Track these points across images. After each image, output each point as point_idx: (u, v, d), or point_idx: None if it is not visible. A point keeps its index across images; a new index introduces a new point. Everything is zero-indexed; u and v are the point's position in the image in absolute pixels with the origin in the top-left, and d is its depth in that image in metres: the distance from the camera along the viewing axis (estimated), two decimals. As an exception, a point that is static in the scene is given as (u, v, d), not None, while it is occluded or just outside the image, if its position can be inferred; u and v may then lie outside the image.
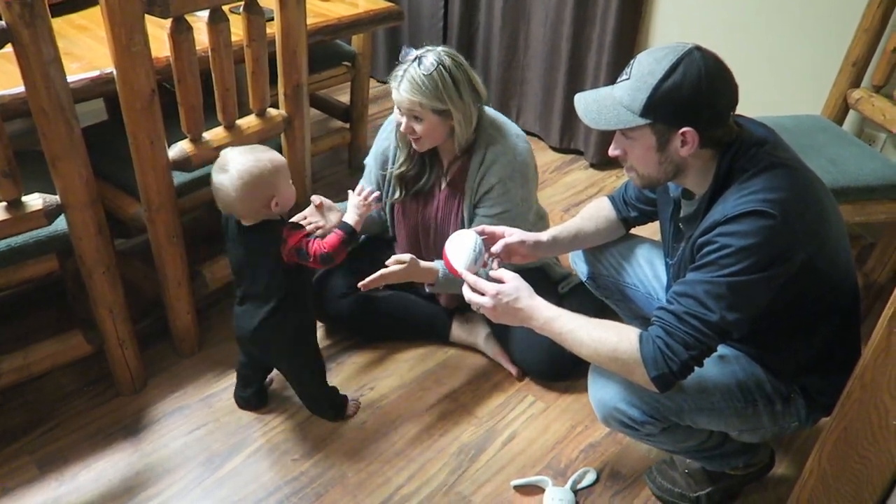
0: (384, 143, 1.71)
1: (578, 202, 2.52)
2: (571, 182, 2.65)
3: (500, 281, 1.25)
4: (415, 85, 1.46)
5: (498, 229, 1.41)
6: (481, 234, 1.37)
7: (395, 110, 1.56)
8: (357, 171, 2.60)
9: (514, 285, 1.23)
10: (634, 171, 1.20)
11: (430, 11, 2.97)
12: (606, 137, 2.65)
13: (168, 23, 1.35)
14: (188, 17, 1.38)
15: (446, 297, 1.81)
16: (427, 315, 1.83)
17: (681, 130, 1.09)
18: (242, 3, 1.47)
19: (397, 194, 1.71)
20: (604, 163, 2.72)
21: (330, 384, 1.62)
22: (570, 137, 2.79)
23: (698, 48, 1.09)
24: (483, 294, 1.24)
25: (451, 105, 1.49)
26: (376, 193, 1.50)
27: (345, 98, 2.59)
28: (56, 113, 1.22)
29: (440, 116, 1.51)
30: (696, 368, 1.12)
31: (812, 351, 1.22)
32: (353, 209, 1.45)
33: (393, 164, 1.69)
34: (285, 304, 1.42)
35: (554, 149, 2.82)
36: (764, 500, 1.48)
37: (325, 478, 1.49)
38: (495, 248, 1.37)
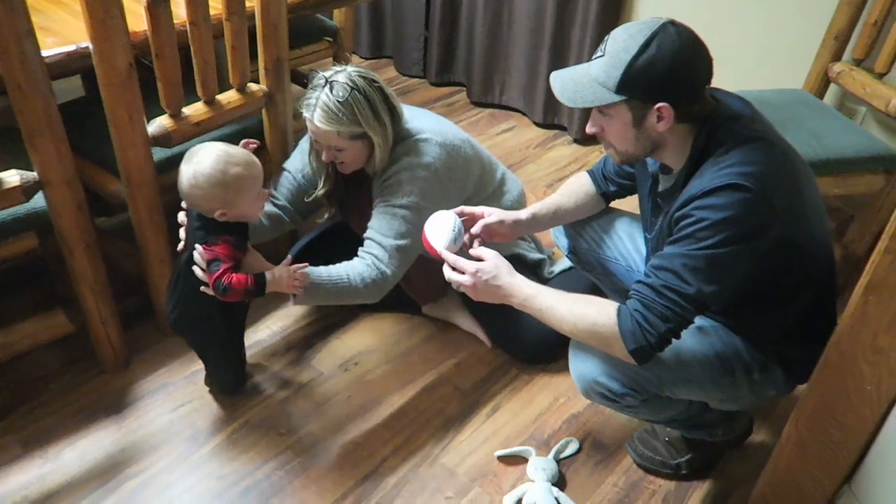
0: (302, 161, 1.63)
1: (562, 177, 2.53)
2: (555, 158, 2.65)
3: (479, 259, 1.25)
4: (329, 113, 1.40)
5: (477, 210, 1.41)
6: (460, 215, 1.37)
7: (312, 140, 1.51)
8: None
9: (493, 263, 1.24)
10: (612, 148, 1.21)
11: (413, -14, 2.94)
12: (589, 113, 2.65)
13: (144, -3, 1.33)
14: (165, -9, 1.36)
15: (421, 295, 1.80)
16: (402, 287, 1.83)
17: (656, 106, 1.09)
18: (221, -24, 1.45)
19: (327, 215, 1.68)
20: (587, 138, 2.69)
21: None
22: (553, 113, 2.78)
23: (672, 22, 1.09)
24: (463, 273, 1.24)
25: (368, 128, 1.43)
26: (308, 278, 1.35)
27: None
28: (32, 88, 1.20)
29: (360, 140, 1.46)
30: (673, 341, 1.13)
31: (789, 321, 1.24)
32: (282, 279, 1.31)
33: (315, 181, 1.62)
34: (186, 283, 1.35)
35: (538, 124, 2.82)
36: (743, 466, 1.51)
37: (312, 451, 1.50)
38: (475, 229, 1.38)
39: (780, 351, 1.26)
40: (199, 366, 1.68)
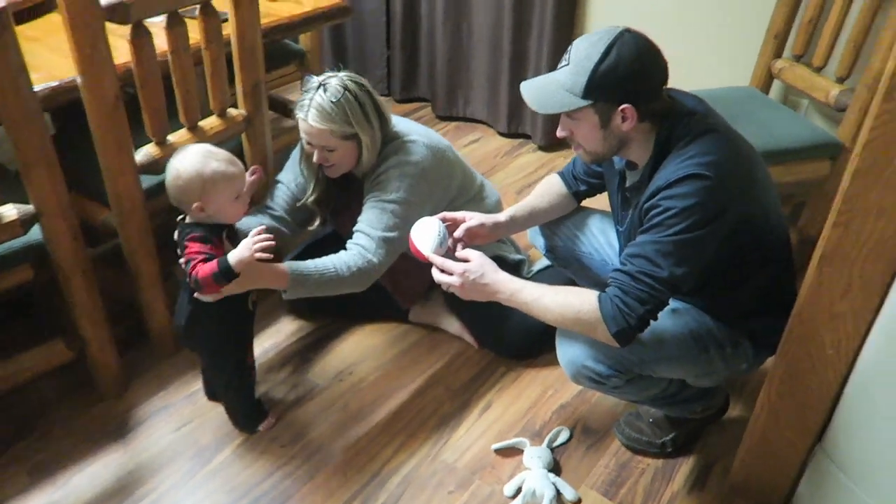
0: (294, 171, 1.71)
1: (530, 183, 2.63)
2: (522, 165, 2.75)
3: (465, 261, 1.33)
4: (323, 112, 1.48)
5: (458, 215, 1.49)
6: (443, 220, 1.45)
7: (304, 142, 1.59)
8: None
9: (478, 262, 1.32)
10: (582, 149, 1.30)
11: (371, 6, 3.02)
12: (553, 120, 2.76)
13: (127, 29, 1.38)
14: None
15: (404, 298, 1.87)
16: (388, 294, 1.90)
17: (621, 107, 1.19)
18: (197, 6, 1.51)
19: (317, 221, 1.74)
20: (551, 144, 2.84)
21: (259, 393, 1.64)
22: (517, 122, 2.89)
23: (628, 30, 1.19)
24: (451, 274, 1.32)
25: (358, 129, 1.52)
26: (270, 243, 1.32)
27: (294, 96, 2.63)
28: (27, 121, 1.25)
29: (350, 141, 1.54)
30: (651, 322, 1.22)
31: (753, 298, 1.35)
32: (242, 248, 1.30)
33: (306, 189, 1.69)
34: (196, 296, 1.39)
35: (502, 134, 2.92)
36: (722, 440, 1.61)
37: (315, 459, 1.55)
38: (458, 233, 1.46)
39: (747, 326, 1.37)
40: (198, 386, 1.72)
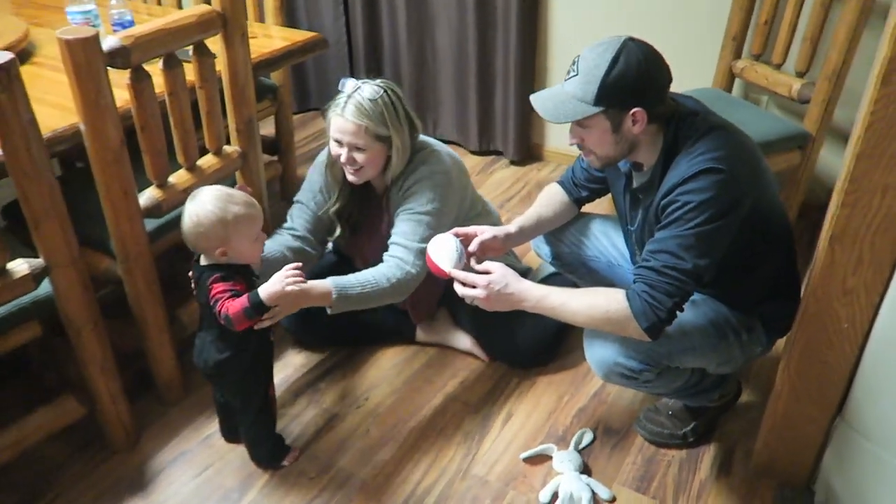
0: (319, 181, 1.72)
1: (509, 198, 2.68)
2: (498, 181, 2.80)
3: (486, 272, 1.36)
4: (361, 109, 1.51)
5: (470, 229, 1.52)
6: (456, 235, 1.48)
7: (332, 143, 1.59)
8: (291, 201, 2.65)
9: (501, 273, 1.35)
10: (593, 154, 1.35)
11: (333, 38, 3.05)
12: (523, 135, 2.84)
13: (127, 73, 1.37)
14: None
15: (416, 313, 1.88)
16: (393, 319, 1.91)
17: (631, 111, 1.25)
18: (190, 48, 1.51)
19: (338, 231, 1.75)
20: (524, 159, 2.90)
21: (283, 428, 1.63)
22: (488, 139, 2.95)
23: (631, 39, 1.25)
24: (474, 287, 1.34)
25: (393, 131, 1.55)
26: (301, 277, 1.36)
27: (267, 131, 2.62)
28: (37, 174, 1.22)
29: (382, 144, 1.56)
30: (678, 314, 1.27)
31: (763, 283, 1.41)
32: (275, 282, 1.32)
33: (328, 201, 1.71)
34: (227, 334, 1.38)
35: (474, 152, 2.97)
36: (739, 425, 1.67)
37: (347, 488, 1.54)
38: (472, 247, 1.48)
39: (759, 311, 1.43)
40: (212, 429, 1.68)
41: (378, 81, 1.56)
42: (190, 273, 1.42)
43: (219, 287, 1.32)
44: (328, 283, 1.48)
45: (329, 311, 1.49)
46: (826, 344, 1.30)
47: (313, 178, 1.74)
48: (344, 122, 1.53)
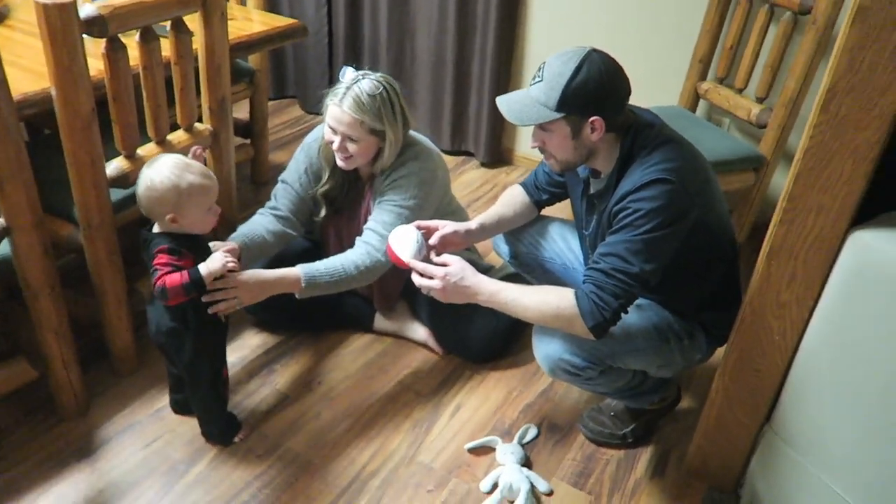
0: (305, 161, 1.76)
1: (477, 198, 2.73)
2: (467, 181, 2.85)
3: (444, 265, 1.41)
4: (359, 103, 1.54)
5: (432, 223, 1.56)
6: (418, 228, 1.52)
7: (327, 129, 1.62)
8: (261, 185, 2.67)
9: (459, 266, 1.40)
10: (553, 158, 1.40)
11: (314, 28, 3.07)
12: (495, 138, 2.90)
13: (102, 43, 1.39)
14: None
15: (378, 300, 1.93)
16: (352, 306, 1.95)
17: (590, 119, 1.30)
18: (168, 23, 1.53)
19: (323, 212, 1.79)
20: (493, 161, 2.96)
21: (235, 403, 1.66)
22: (460, 140, 3.00)
23: (595, 50, 1.31)
24: (432, 278, 1.39)
25: (387, 126, 1.59)
26: (235, 263, 1.41)
27: (241, 115, 2.64)
28: (4, 134, 1.23)
29: (375, 136, 1.60)
30: (622, 315, 1.33)
31: (706, 293, 1.48)
32: (214, 262, 1.37)
33: (312, 182, 1.75)
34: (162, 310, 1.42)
35: (447, 152, 3.01)
36: (676, 429, 1.74)
37: (293, 467, 1.57)
38: (432, 240, 1.53)
39: (700, 319, 1.50)
40: (163, 402, 1.70)
41: (378, 76, 1.60)
42: (143, 242, 1.44)
43: (163, 259, 1.34)
44: (297, 271, 1.53)
45: (297, 296, 1.54)
46: (759, 353, 1.38)
47: (299, 158, 1.77)
48: (341, 113, 1.56)
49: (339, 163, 1.66)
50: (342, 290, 1.62)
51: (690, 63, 2.36)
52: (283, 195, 1.77)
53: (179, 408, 1.67)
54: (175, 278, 1.32)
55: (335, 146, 1.61)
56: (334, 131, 1.60)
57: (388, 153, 1.64)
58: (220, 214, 1.43)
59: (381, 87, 1.57)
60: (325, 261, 1.59)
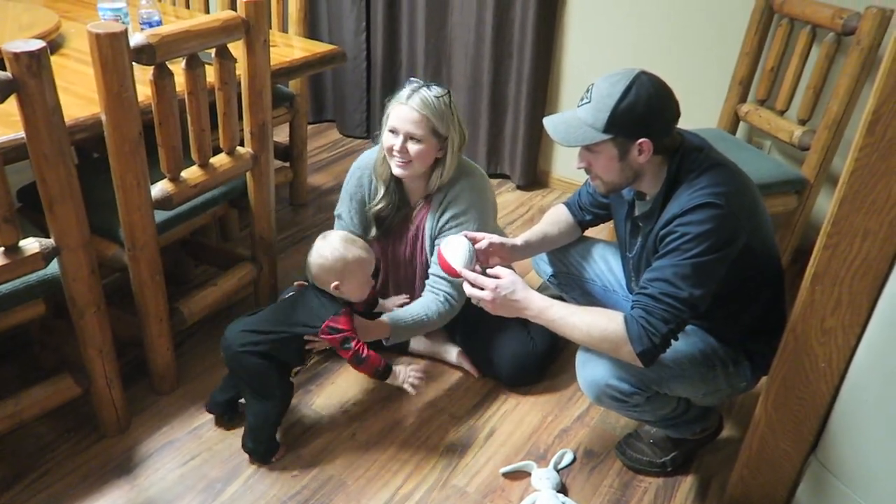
0: (355, 188, 1.81)
1: (512, 220, 2.73)
2: (503, 203, 2.85)
3: (497, 277, 1.41)
4: (426, 102, 1.59)
5: (479, 235, 1.58)
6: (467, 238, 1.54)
7: (387, 135, 1.65)
8: (299, 207, 2.72)
9: (510, 279, 1.40)
10: (599, 179, 1.40)
11: (352, 53, 3.13)
12: (531, 161, 2.90)
13: (150, 69, 1.43)
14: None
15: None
16: None
17: (638, 141, 1.30)
18: (213, 50, 1.57)
19: (373, 231, 1.82)
20: (529, 184, 2.96)
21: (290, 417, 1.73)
22: (496, 163, 3.01)
23: (644, 72, 1.31)
24: (483, 289, 1.39)
25: (451, 131, 1.63)
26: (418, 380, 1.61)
27: (281, 138, 2.69)
28: (57, 157, 1.27)
29: (437, 140, 1.64)
30: (672, 342, 1.31)
31: (751, 319, 1.45)
32: (403, 376, 1.60)
33: (370, 201, 1.80)
34: (276, 345, 1.56)
35: (482, 174, 3.02)
36: (716, 458, 1.69)
37: (327, 488, 1.57)
38: (481, 245, 1.55)
39: (745, 346, 1.47)
40: (201, 421, 1.72)
41: (442, 86, 1.65)
42: (296, 283, 1.69)
43: (348, 324, 1.52)
44: (385, 319, 1.65)
45: (385, 342, 1.67)
46: (803, 381, 1.34)
47: (347, 187, 1.82)
48: (409, 110, 1.59)
49: (396, 170, 1.67)
50: (425, 333, 1.72)
51: (730, 85, 2.34)
52: (341, 227, 1.84)
53: (214, 406, 1.69)
54: (376, 358, 1.54)
55: (396, 147, 1.63)
56: (396, 133, 1.63)
57: (446, 163, 1.66)
58: (362, 300, 1.60)
59: (446, 94, 1.62)
60: (408, 308, 1.70)
